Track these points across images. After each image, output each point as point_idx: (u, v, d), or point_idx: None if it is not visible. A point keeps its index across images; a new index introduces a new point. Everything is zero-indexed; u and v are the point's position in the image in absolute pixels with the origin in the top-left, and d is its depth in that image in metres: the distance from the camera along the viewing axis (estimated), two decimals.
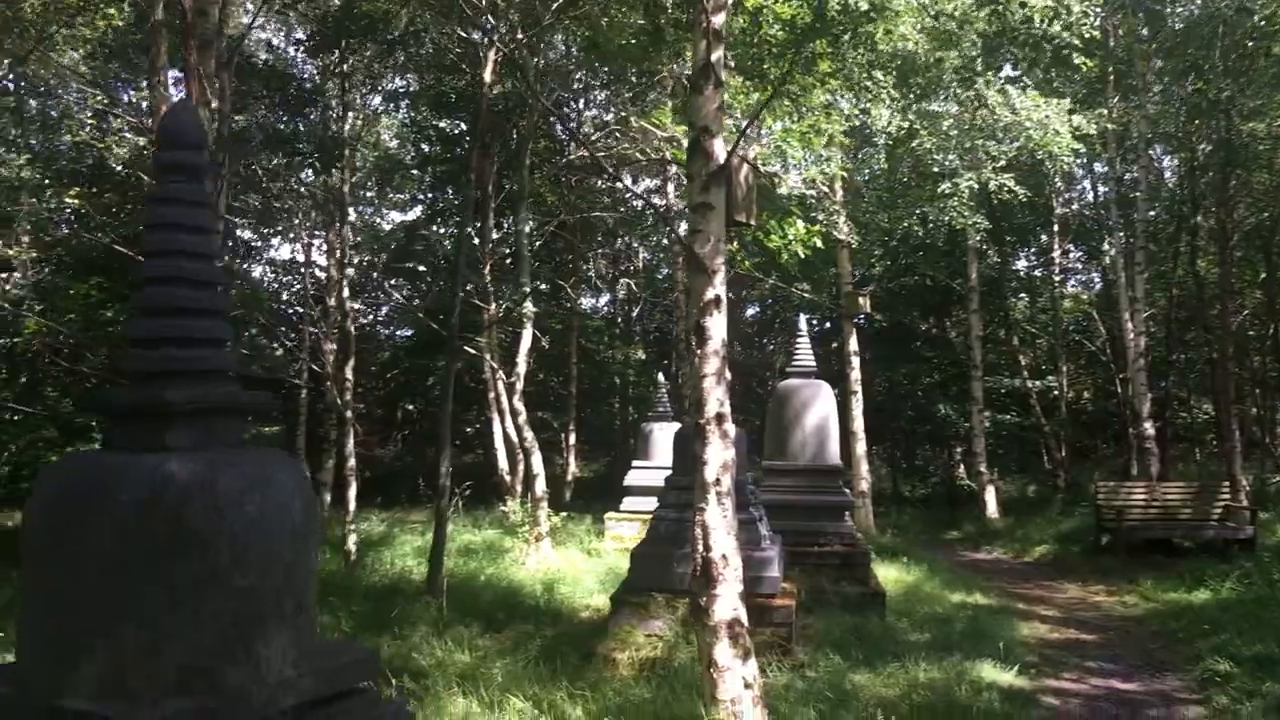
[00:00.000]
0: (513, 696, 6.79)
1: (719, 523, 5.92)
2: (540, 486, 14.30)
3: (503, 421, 15.14)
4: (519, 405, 14.54)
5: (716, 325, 6.10)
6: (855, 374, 18.62)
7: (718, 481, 5.97)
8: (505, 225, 24.10)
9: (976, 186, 16.38)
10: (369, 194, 30.42)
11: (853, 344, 18.64)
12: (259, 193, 18.93)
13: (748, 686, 5.76)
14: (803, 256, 11.02)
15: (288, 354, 24.14)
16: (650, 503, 16.67)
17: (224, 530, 2.55)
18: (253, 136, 16.69)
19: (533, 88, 12.96)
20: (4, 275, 20.37)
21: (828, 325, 27.77)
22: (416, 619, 9.82)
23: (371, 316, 33.56)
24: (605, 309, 33.42)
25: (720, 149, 6.14)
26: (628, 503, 16.56)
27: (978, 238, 19.29)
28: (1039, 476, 27.45)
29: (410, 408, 30.98)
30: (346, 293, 14.64)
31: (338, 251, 17.59)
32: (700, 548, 5.96)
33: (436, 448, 11.41)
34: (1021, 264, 28.00)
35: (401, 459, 30.31)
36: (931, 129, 14.57)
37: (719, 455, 6.02)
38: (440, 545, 11.08)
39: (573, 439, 25.54)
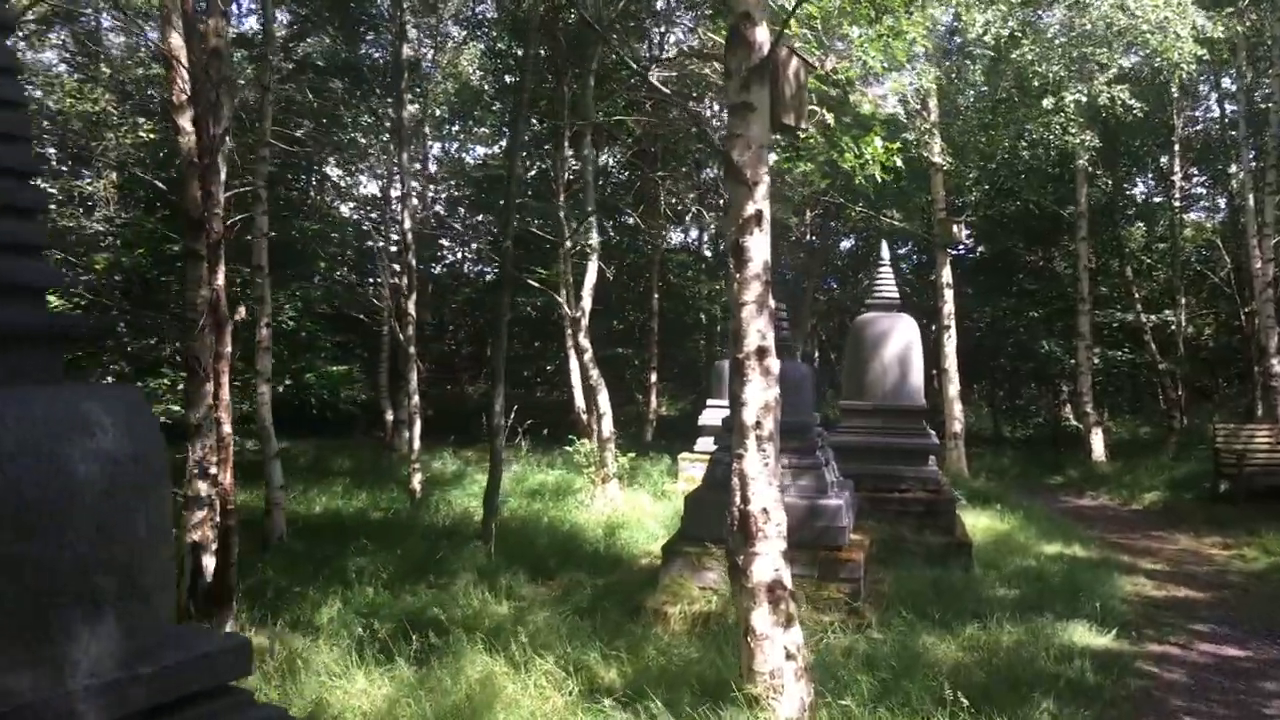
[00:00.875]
0: (540, 657, 6.26)
1: (759, 471, 5.21)
2: (608, 426, 13.74)
3: (579, 357, 14.56)
4: (584, 341, 13.94)
5: (758, 245, 5.33)
6: (949, 308, 17.49)
7: (758, 425, 5.25)
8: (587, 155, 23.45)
9: (1085, 101, 15.00)
10: (453, 128, 30.03)
11: (947, 275, 17.49)
12: (330, 124, 18.59)
13: (790, 657, 5.08)
14: (881, 179, 10.05)
15: (369, 291, 24.06)
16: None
17: None
18: (311, 63, 16.24)
19: (588, 7, 12.10)
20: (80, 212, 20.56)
21: (924, 258, 26.40)
22: (463, 564, 9.41)
23: (460, 254, 33.41)
24: (692, 242, 32.56)
25: (764, 38, 5.30)
26: (702, 443, 15.92)
27: (1086, 159, 17.76)
28: (1152, 418, 25.88)
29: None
30: (407, 223, 14.14)
31: (407, 184, 17.15)
32: (738, 499, 5.27)
33: (491, 383, 10.91)
34: (1138, 189, 26.11)
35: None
36: (1034, 37, 13.26)
37: (760, 395, 5.29)
38: (495, 487, 10.63)
39: (654, 377, 24.90)
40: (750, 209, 5.30)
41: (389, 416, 22.02)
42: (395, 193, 21.57)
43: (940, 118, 17.46)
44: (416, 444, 14.08)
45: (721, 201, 29.07)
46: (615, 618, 7.56)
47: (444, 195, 30.48)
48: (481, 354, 32.22)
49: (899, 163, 9.77)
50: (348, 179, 25.25)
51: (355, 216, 27.11)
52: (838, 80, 8.99)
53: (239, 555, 7.29)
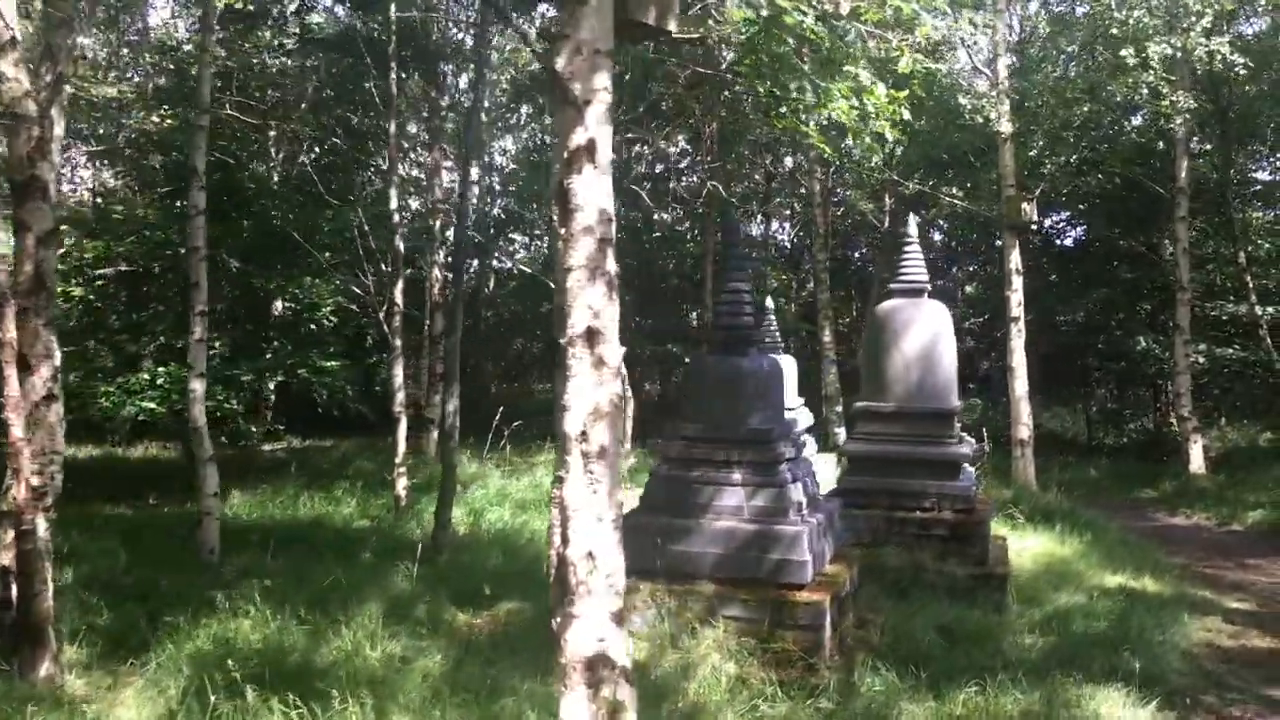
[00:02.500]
0: None
1: (585, 500, 3.84)
2: None
3: None
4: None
5: (591, 188, 3.95)
6: (1017, 297, 15.60)
7: (584, 436, 3.87)
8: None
9: (1178, 54, 13.04)
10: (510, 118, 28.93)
11: (1015, 261, 15.60)
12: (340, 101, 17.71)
13: None
14: (891, 140, 8.51)
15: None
16: None
17: None
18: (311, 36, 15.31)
19: None
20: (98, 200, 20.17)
21: (997, 240, 24.28)
22: (380, 591, 8.21)
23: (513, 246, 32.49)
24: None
25: None
26: None
27: (1183, 125, 15.60)
28: (1273, 423, 23.29)
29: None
30: (394, 203, 13.05)
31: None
32: (556, 538, 3.91)
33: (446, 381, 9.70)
34: (1263, 169, 23.46)
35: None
36: None
37: (589, 394, 3.91)
38: (446, 500, 9.44)
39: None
40: (580, 137, 3.93)
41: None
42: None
43: (1010, 78, 15.58)
44: (401, 446, 12.99)
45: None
46: (517, 671, 6.23)
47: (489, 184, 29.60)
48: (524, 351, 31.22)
49: (906, 114, 8.18)
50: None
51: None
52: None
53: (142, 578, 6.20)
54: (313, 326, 15.39)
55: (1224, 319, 21.64)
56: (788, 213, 31.68)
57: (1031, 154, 16.94)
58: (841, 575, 6.98)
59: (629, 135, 21.94)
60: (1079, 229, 24.48)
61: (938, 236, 33.95)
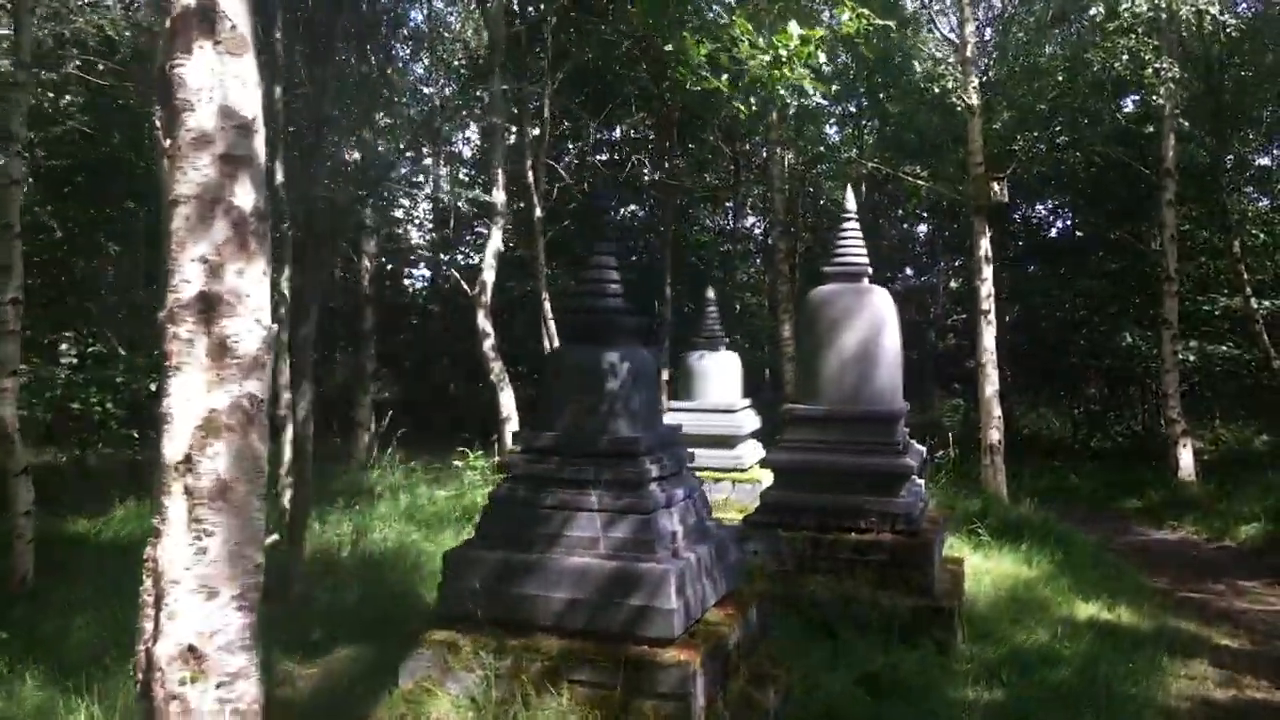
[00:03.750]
0: None
1: (187, 565, 2.43)
2: (508, 435, 10.99)
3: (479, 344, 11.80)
4: (486, 325, 11.22)
5: (204, 73, 2.54)
6: (987, 287, 14.22)
7: (189, 465, 2.47)
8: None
9: (1161, 13, 11.70)
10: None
11: (984, 246, 14.21)
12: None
13: None
14: (814, 92, 7.23)
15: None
16: (695, 454, 13.19)
17: None
18: None
19: None
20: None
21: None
22: None
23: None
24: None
25: None
26: None
27: (1164, 94, 14.20)
28: (1269, 427, 21.99)
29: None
30: (279, 177, 11.60)
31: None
32: (149, 611, 2.51)
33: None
34: (1262, 157, 22.13)
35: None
36: None
37: (199, 400, 2.50)
38: (297, 521, 8.04)
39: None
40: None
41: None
42: None
43: (978, 44, 14.22)
44: (286, 454, 11.55)
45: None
46: None
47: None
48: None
49: (822, 58, 6.85)
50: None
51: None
52: None
53: None
54: None
55: (1216, 314, 20.33)
56: (763, 205, 30.28)
57: (997, 127, 15.56)
58: (728, 624, 5.58)
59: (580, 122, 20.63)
60: (1064, 219, 23.15)
61: (922, 229, 32.67)
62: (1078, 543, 11.81)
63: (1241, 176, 20.96)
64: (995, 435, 13.92)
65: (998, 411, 14.01)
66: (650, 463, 5.51)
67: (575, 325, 5.81)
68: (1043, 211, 23.63)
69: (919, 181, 15.19)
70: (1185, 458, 15.78)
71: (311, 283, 8.11)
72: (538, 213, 17.68)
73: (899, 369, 8.69)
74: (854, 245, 8.82)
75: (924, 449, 9.24)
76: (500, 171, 11.56)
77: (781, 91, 7.14)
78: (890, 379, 8.53)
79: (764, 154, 20.66)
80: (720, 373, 13.09)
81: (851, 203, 8.92)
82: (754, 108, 9.05)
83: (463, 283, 12.08)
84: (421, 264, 30.55)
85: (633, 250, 26.13)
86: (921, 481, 9.20)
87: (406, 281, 30.39)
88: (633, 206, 27.46)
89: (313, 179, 8.43)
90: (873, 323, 8.50)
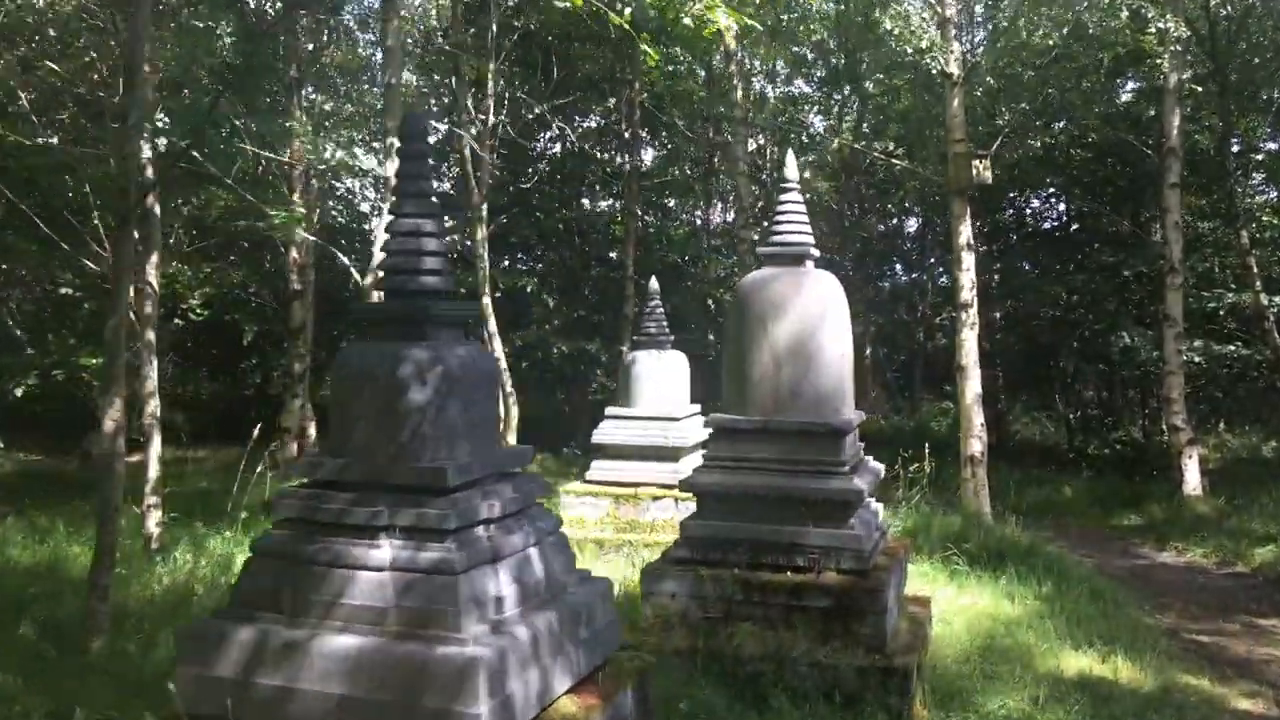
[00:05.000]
0: None
1: None
2: None
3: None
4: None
5: None
6: (968, 277, 12.77)
7: None
8: None
9: None
10: None
11: (965, 233, 12.77)
12: None
13: None
14: (733, 27, 5.77)
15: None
16: (634, 467, 11.74)
17: None
18: None
19: None
20: None
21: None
22: None
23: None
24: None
25: None
26: (597, 469, 11.59)
27: (1167, 59, 12.77)
28: (1274, 434, 20.66)
29: None
30: (146, 152, 10.15)
31: None
32: None
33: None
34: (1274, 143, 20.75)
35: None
36: None
37: None
38: (103, 559, 6.59)
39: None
40: None
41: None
42: None
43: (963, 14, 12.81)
44: (153, 468, 10.13)
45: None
46: None
47: None
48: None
49: (722, 20, 5.47)
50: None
51: None
52: None
53: None
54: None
55: (1223, 311, 18.93)
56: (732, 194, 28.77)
57: (979, 92, 14.13)
58: (587, 718, 4.13)
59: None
60: (1058, 207, 21.76)
61: (912, 225, 31.28)
62: (1069, 570, 10.38)
63: (1249, 162, 19.60)
64: (977, 446, 12.48)
65: (980, 418, 12.57)
66: (473, 500, 4.07)
67: (372, 313, 4.37)
68: (1035, 203, 22.20)
69: (894, 161, 13.72)
70: (1191, 470, 14.37)
71: (121, 259, 6.63)
72: (475, 198, 16.27)
73: (847, 371, 7.25)
74: (794, 221, 7.37)
75: (880, 467, 7.79)
76: (396, 136, 10.11)
77: (687, 21, 5.65)
78: (834, 383, 7.08)
79: (727, 136, 19.19)
80: (663, 376, 11.65)
81: (792, 170, 7.47)
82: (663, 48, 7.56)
83: (353, 271, 10.58)
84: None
85: (598, 245, 24.73)
86: (879, 506, 7.77)
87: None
88: (601, 204, 26.11)
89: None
90: (813, 314, 7.06)
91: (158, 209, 10.47)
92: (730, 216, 28.06)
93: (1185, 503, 14.09)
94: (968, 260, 12.72)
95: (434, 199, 4.38)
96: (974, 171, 12.27)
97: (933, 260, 29.37)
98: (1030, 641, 7.82)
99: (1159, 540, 13.21)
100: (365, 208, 24.35)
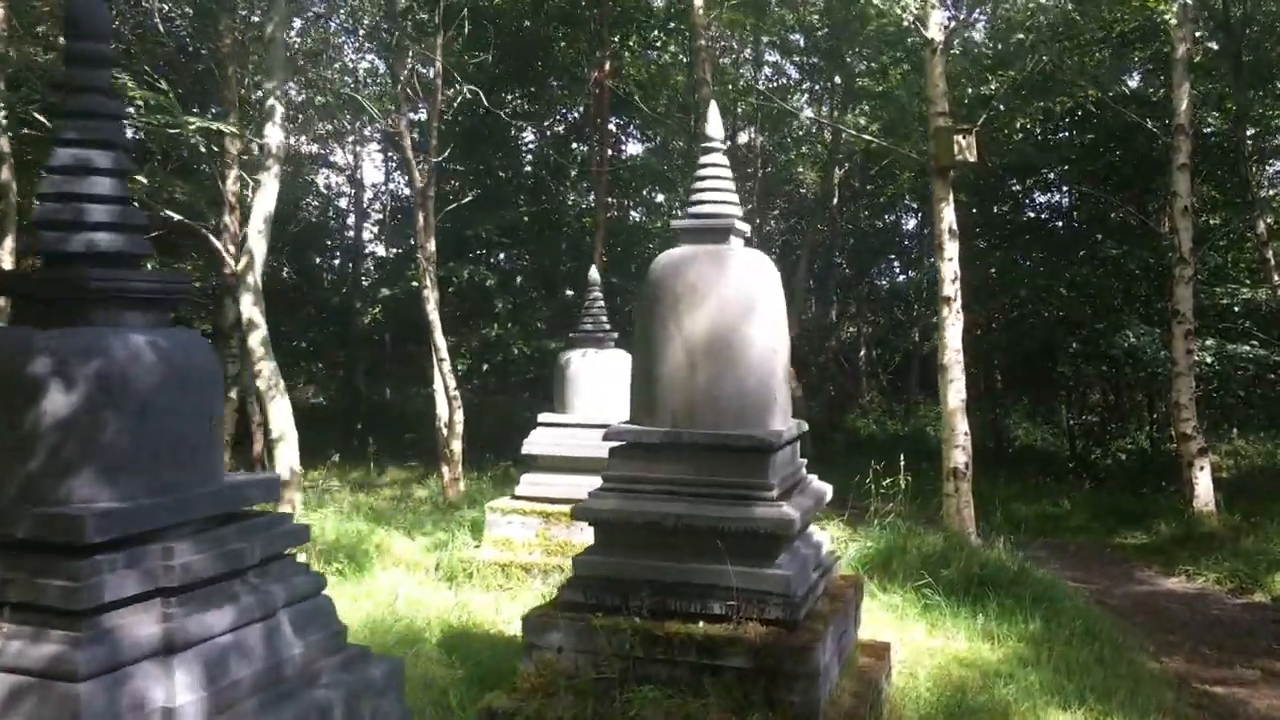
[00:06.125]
0: None
1: None
2: (288, 458, 8.20)
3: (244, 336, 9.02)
4: (255, 312, 8.46)
5: None
6: (952, 267, 11.45)
7: None
8: None
9: None
10: None
11: (948, 217, 11.46)
12: None
13: None
14: None
15: None
16: (568, 482, 10.40)
17: None
18: None
19: None
20: None
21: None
22: None
23: None
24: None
25: None
26: (527, 484, 10.27)
27: (1173, 19, 11.46)
28: None
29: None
30: None
31: None
32: None
33: None
34: None
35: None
36: None
37: None
38: None
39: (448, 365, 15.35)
40: None
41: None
42: None
43: None
44: None
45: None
46: None
47: None
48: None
49: None
50: None
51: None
52: None
53: None
54: None
55: (1236, 308, 17.60)
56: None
57: (957, 53, 12.80)
58: None
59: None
60: (1056, 194, 20.44)
61: (911, 224, 29.98)
62: (1062, 602, 9.05)
63: (1266, 146, 18.28)
64: (961, 457, 11.15)
65: (964, 426, 11.23)
66: (139, 562, 2.77)
67: (11, 285, 3.07)
68: (1036, 192, 20.87)
69: (870, 139, 12.40)
70: (1203, 482, 13.03)
71: None
72: (418, 183, 15.00)
73: (779, 372, 5.96)
74: (717, 189, 6.08)
75: (826, 488, 6.50)
76: (280, 103, 8.81)
77: None
78: (763, 386, 5.79)
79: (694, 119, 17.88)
80: (601, 377, 10.35)
81: (715, 125, 6.16)
82: None
83: (227, 256, 9.29)
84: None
85: (573, 241, 23.44)
86: (822, 538, 6.47)
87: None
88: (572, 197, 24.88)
89: None
90: (739, 301, 5.77)
91: (14, 185, 9.18)
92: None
93: (1196, 519, 12.76)
94: (951, 248, 11.39)
95: (116, 121, 3.08)
96: (956, 148, 10.96)
97: (932, 259, 28.03)
98: (1010, 698, 6.52)
99: (1166, 562, 11.88)
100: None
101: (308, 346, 26.75)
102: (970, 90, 13.56)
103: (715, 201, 6.03)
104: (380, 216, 27.70)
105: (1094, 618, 8.71)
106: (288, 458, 8.14)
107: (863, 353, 32.25)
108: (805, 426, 6.38)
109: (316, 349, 26.72)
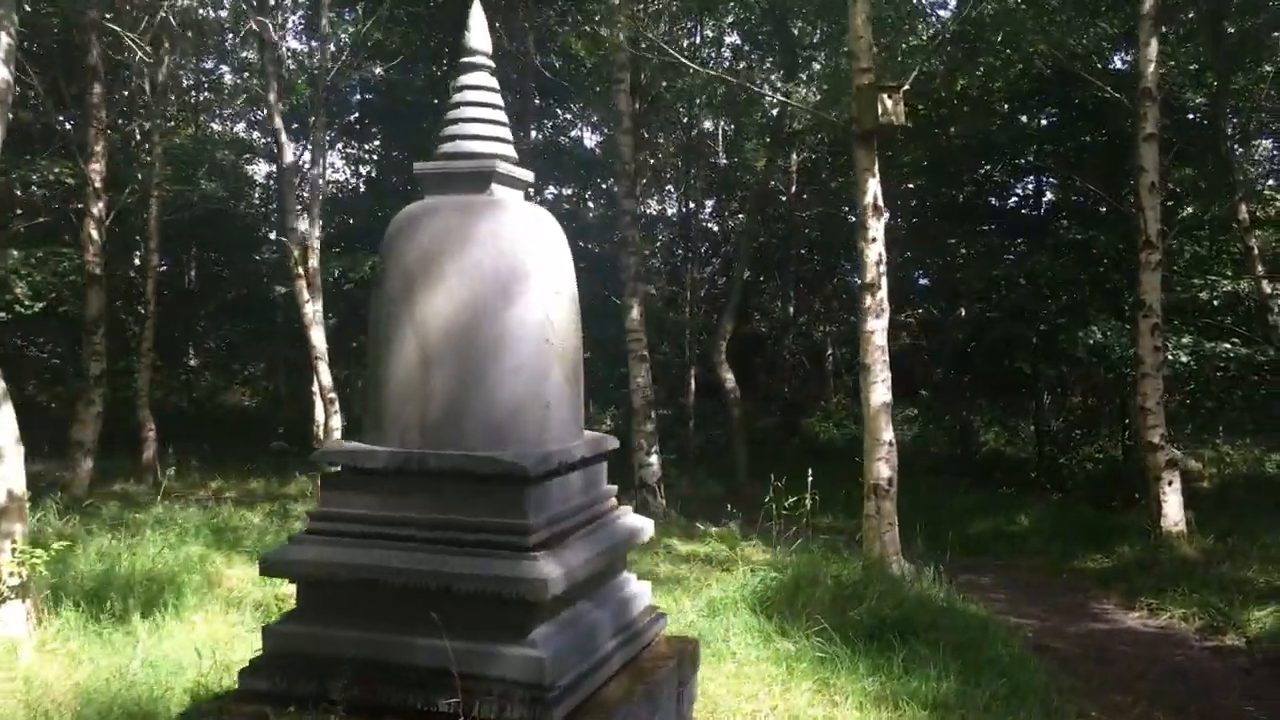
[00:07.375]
0: None
1: None
2: (8, 482, 6.62)
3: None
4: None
5: None
6: (876, 249, 9.89)
7: None
8: None
9: None
10: None
11: (872, 190, 9.93)
12: None
13: None
14: None
15: None
16: None
17: None
18: None
19: None
20: None
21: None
22: None
23: None
24: None
25: None
26: None
27: None
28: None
29: None
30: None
31: None
32: None
33: None
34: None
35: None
36: None
37: None
38: None
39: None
40: None
41: None
42: None
43: None
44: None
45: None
46: None
47: None
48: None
49: None
50: None
51: None
52: None
53: None
54: None
55: (1216, 302, 16.15)
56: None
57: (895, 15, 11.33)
58: None
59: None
60: (1023, 179, 19.03)
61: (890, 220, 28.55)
62: (991, 649, 7.53)
63: (1248, 125, 16.88)
64: (884, 471, 9.60)
65: (889, 434, 9.67)
66: None
67: None
68: (999, 176, 19.44)
69: (782, 100, 10.88)
70: (1172, 499, 11.53)
71: None
72: (289, 157, 13.43)
73: (560, 371, 4.40)
74: (477, 119, 4.52)
75: (639, 526, 4.93)
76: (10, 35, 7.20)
77: None
78: (529, 392, 4.23)
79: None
80: None
81: (480, 35, 4.57)
82: None
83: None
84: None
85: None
86: (638, 588, 4.91)
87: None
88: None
89: None
90: (495, 275, 4.21)
91: None
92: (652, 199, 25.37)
93: (1164, 543, 11.26)
94: (875, 227, 9.84)
95: None
96: (881, 108, 9.43)
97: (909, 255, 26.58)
98: None
99: (1128, 593, 10.38)
100: None
101: (226, 346, 25.28)
102: (904, 46, 12.07)
103: (472, 136, 4.46)
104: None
105: (1025, 674, 7.17)
106: (7, 479, 6.56)
107: (830, 353, 30.84)
108: (611, 443, 4.83)
109: (234, 349, 25.24)
